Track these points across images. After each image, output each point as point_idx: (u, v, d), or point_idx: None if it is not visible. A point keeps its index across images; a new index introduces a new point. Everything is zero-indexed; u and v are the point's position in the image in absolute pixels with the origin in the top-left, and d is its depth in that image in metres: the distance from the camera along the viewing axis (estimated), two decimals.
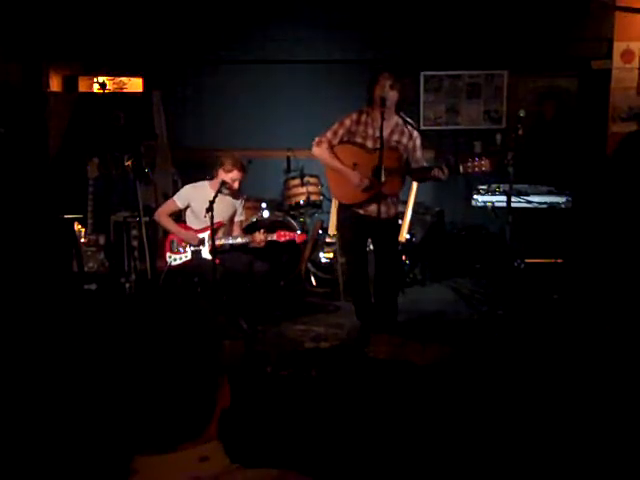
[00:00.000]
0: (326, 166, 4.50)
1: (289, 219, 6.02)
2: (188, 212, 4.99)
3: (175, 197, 5.01)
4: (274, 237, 4.84)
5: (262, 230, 4.95)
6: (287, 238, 4.85)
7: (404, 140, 4.40)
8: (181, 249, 4.95)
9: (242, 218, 5.22)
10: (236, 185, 4.90)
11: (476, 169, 4.21)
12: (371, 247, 4.78)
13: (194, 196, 4.92)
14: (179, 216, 5.08)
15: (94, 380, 1.10)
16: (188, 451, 1.05)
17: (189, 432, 1.06)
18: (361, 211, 4.44)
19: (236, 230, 5.11)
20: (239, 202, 5.12)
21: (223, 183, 4.74)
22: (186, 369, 1.07)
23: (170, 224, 4.97)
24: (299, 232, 5.16)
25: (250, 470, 1.07)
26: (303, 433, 3.12)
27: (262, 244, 4.84)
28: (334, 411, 3.39)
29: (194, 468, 1.04)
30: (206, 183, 4.97)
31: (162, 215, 4.99)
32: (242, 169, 4.89)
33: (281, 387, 3.72)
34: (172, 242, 4.97)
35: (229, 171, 4.87)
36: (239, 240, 4.90)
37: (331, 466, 2.86)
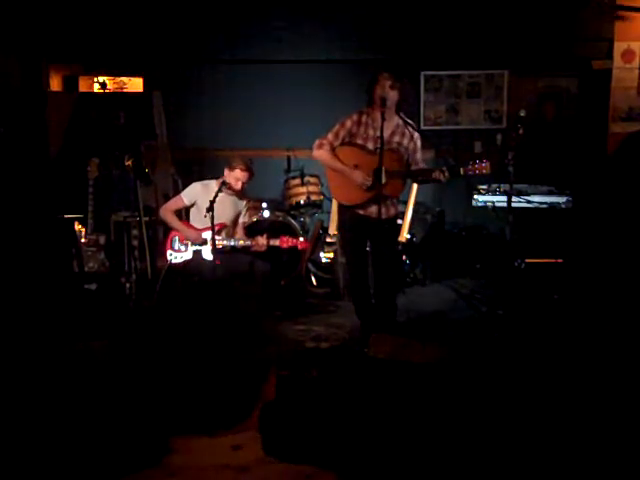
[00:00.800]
0: (327, 168, 4.50)
1: (289, 219, 6.01)
2: (193, 210, 4.99)
3: (182, 194, 5.00)
4: (277, 243, 4.84)
5: (265, 235, 4.94)
6: (290, 245, 4.85)
7: (405, 141, 4.40)
8: (182, 247, 4.95)
9: (245, 220, 5.21)
10: (239, 185, 4.89)
11: (477, 172, 4.22)
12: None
13: (201, 194, 4.92)
14: (180, 215, 5.08)
15: (144, 362, 1.12)
16: (223, 438, 1.06)
17: (229, 419, 1.07)
18: (361, 212, 4.44)
19: (239, 232, 5.10)
20: (244, 204, 5.12)
21: (224, 183, 4.75)
22: (235, 358, 1.08)
23: (174, 221, 4.97)
24: (302, 239, 5.16)
25: (282, 464, 1.08)
26: (303, 433, 3.12)
27: (263, 249, 4.84)
28: (334, 411, 3.38)
29: (226, 455, 1.05)
30: (213, 182, 4.96)
31: (167, 211, 4.98)
32: (246, 169, 4.88)
33: (281, 387, 3.72)
34: (174, 240, 4.97)
35: (232, 169, 4.87)
36: (241, 243, 4.89)
37: (341, 468, 2.86)
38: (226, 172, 4.89)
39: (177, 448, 1.06)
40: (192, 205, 4.96)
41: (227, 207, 4.94)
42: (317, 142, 4.43)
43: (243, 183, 4.90)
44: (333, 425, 3.17)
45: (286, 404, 2.92)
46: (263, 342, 1.15)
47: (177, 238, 4.96)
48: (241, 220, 5.14)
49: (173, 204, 5.00)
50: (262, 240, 4.82)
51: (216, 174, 5.13)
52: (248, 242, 4.87)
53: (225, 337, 1.11)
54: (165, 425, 1.08)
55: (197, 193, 4.94)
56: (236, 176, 4.85)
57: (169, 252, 4.97)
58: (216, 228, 4.57)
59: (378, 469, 2.87)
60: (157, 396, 1.09)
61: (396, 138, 4.37)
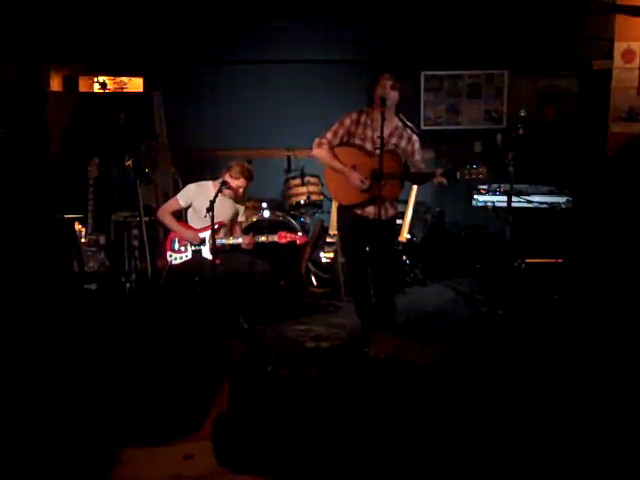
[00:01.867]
0: (326, 167, 4.50)
1: (289, 219, 6.02)
2: (190, 211, 4.99)
3: (178, 195, 5.01)
4: (275, 238, 4.84)
5: (251, 233, 4.99)
6: (288, 240, 4.85)
7: (402, 143, 4.39)
8: (182, 248, 4.95)
9: (242, 219, 5.23)
10: (241, 191, 4.95)
11: (472, 176, 4.24)
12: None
13: (197, 195, 4.93)
14: (179, 216, 5.08)
15: (92, 372, 1.12)
16: (175, 447, 1.06)
17: (180, 429, 1.07)
18: (359, 212, 4.44)
19: (237, 231, 5.13)
20: (241, 202, 5.15)
21: (224, 183, 4.75)
22: (186, 367, 1.08)
23: (172, 222, 4.97)
24: (300, 234, 5.16)
25: (236, 475, 1.07)
26: (303, 433, 3.12)
27: (251, 246, 4.84)
28: (335, 411, 3.38)
29: (177, 465, 1.04)
30: (209, 183, 4.98)
31: (165, 213, 4.99)
32: (249, 178, 4.93)
33: (281, 387, 3.72)
34: (173, 241, 4.97)
35: (236, 178, 4.90)
36: (229, 241, 4.90)
37: (331, 466, 2.85)
38: (227, 177, 4.90)
39: (127, 459, 1.05)
40: (188, 206, 4.97)
41: (226, 207, 4.95)
42: (316, 140, 4.43)
43: (244, 190, 4.97)
44: (288, 435, 3.11)
45: (239, 414, 2.87)
46: (216, 352, 1.15)
47: (176, 239, 4.97)
48: (240, 219, 5.16)
49: (170, 206, 5.01)
50: (248, 238, 4.82)
51: (216, 174, 5.14)
52: (239, 240, 4.86)
53: (180, 347, 1.11)
54: (115, 435, 1.07)
55: (193, 194, 4.95)
56: (239, 184, 4.90)
57: (169, 254, 4.97)
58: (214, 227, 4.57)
59: (373, 468, 2.87)
60: (107, 405, 1.08)
61: (394, 140, 4.37)
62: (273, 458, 2.78)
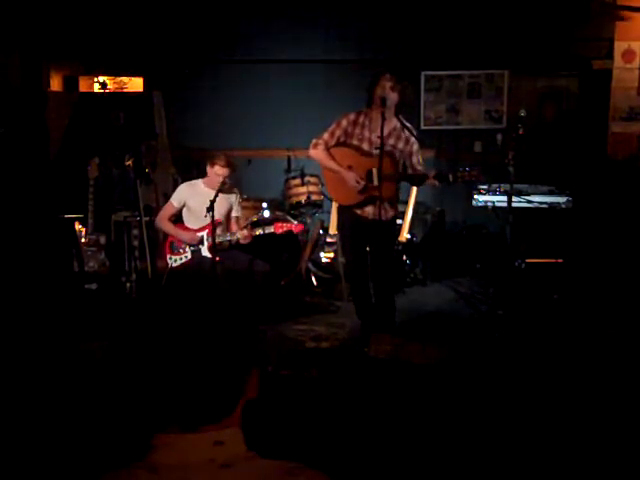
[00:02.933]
0: (323, 167, 4.50)
1: (289, 218, 6.02)
2: (185, 211, 5.00)
3: (171, 199, 5.02)
4: (271, 229, 4.83)
5: (249, 226, 4.96)
6: (285, 229, 4.84)
7: (400, 145, 4.38)
8: (181, 250, 4.95)
9: (239, 214, 5.19)
10: (219, 180, 4.81)
11: (466, 178, 4.24)
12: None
13: (189, 195, 4.94)
14: (178, 217, 5.08)
15: (123, 363, 1.13)
16: (207, 434, 1.07)
17: (211, 415, 1.08)
18: (359, 212, 4.43)
19: (234, 226, 5.10)
20: (234, 198, 5.10)
21: (223, 183, 4.76)
22: (218, 353, 1.10)
23: (170, 227, 4.98)
24: (295, 222, 5.15)
25: (266, 460, 1.09)
26: (303, 433, 3.12)
27: (249, 240, 4.82)
28: (335, 411, 3.38)
29: (209, 451, 1.06)
30: (200, 181, 4.98)
31: (163, 220, 5.00)
32: (225, 165, 4.84)
33: (282, 387, 3.72)
34: (172, 244, 4.98)
35: (212, 165, 4.87)
36: (237, 236, 4.89)
37: (331, 466, 2.86)
38: (208, 168, 4.90)
39: (160, 444, 1.07)
40: (182, 206, 4.98)
41: (219, 203, 4.92)
42: (313, 141, 4.43)
43: (223, 178, 4.84)
44: (316, 423, 3.16)
45: (268, 401, 2.92)
46: (247, 340, 1.16)
47: (174, 242, 4.97)
48: (234, 214, 5.13)
49: (166, 212, 5.01)
50: (245, 232, 4.81)
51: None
52: (236, 235, 4.85)
53: (209, 335, 1.12)
54: (148, 422, 1.09)
55: (185, 194, 4.96)
56: (216, 172, 4.84)
57: (168, 256, 4.98)
58: (210, 227, 4.57)
59: (373, 467, 2.87)
60: (140, 392, 1.10)
61: (391, 141, 4.35)
62: (300, 445, 2.82)
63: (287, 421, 3.09)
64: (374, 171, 4.19)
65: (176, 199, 4.98)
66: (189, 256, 4.93)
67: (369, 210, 4.39)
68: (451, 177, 4.23)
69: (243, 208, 5.90)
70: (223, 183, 4.77)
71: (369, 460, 2.93)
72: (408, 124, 4.44)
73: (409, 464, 2.92)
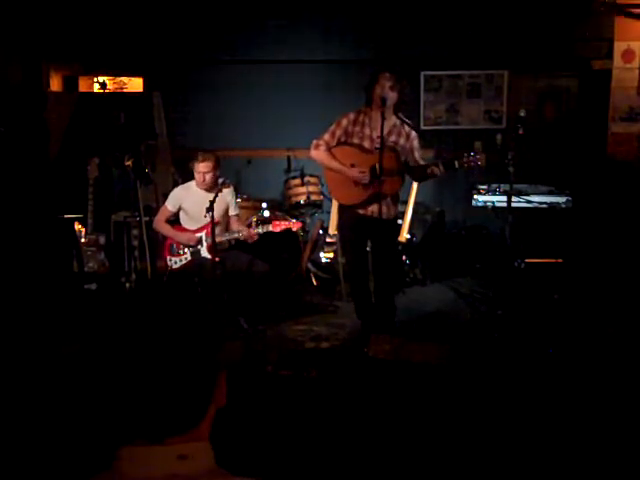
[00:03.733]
0: (325, 168, 4.49)
1: (288, 217, 6.02)
2: (181, 214, 5.00)
3: (166, 202, 5.02)
4: (269, 228, 4.83)
5: (252, 224, 4.95)
6: (283, 227, 4.84)
7: (401, 141, 4.38)
8: (180, 251, 4.95)
9: (237, 212, 5.17)
10: (204, 178, 4.81)
11: (471, 163, 4.21)
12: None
13: (184, 197, 4.94)
14: (176, 219, 5.08)
15: (90, 371, 1.11)
16: (172, 447, 1.04)
17: (178, 427, 1.06)
18: (361, 211, 4.43)
19: (233, 225, 5.08)
20: (230, 196, 5.04)
21: (223, 183, 4.76)
22: (183, 364, 1.07)
23: (167, 230, 4.98)
24: (294, 220, 5.14)
25: (234, 477, 1.06)
26: (303, 434, 3.12)
27: (254, 238, 4.79)
28: (335, 411, 3.38)
29: (173, 465, 1.03)
30: (192, 183, 4.97)
31: (160, 223, 5.00)
32: (203, 160, 4.79)
33: (281, 387, 3.72)
34: (171, 246, 4.97)
35: (193, 166, 4.84)
36: (235, 235, 4.87)
37: (331, 467, 2.86)
38: (195, 165, 4.86)
39: (126, 456, 1.05)
40: (179, 210, 4.98)
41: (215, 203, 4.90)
42: (314, 142, 4.43)
43: (205, 174, 4.80)
44: (288, 436, 3.10)
45: (238, 414, 2.84)
46: (213, 346, 1.14)
47: (174, 244, 4.97)
48: (232, 212, 5.11)
49: (162, 215, 5.01)
50: (247, 231, 4.80)
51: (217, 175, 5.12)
52: (239, 234, 4.84)
53: (175, 341, 1.10)
54: (115, 432, 1.07)
55: (179, 197, 4.96)
56: (198, 170, 4.83)
57: (168, 258, 4.97)
58: (209, 227, 4.57)
59: (369, 469, 2.87)
60: (108, 401, 1.08)
61: (392, 138, 4.36)
62: (273, 461, 2.78)
63: (260, 434, 3.01)
64: (378, 167, 4.19)
65: (171, 203, 4.98)
66: (189, 257, 4.93)
67: (372, 208, 4.38)
68: (457, 163, 4.22)
69: (243, 208, 5.90)
70: (215, 181, 4.77)
71: (368, 460, 2.93)
72: (407, 120, 4.44)
73: (409, 464, 2.92)
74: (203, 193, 4.81)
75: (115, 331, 1.13)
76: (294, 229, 4.97)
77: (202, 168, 4.80)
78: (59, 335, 4.49)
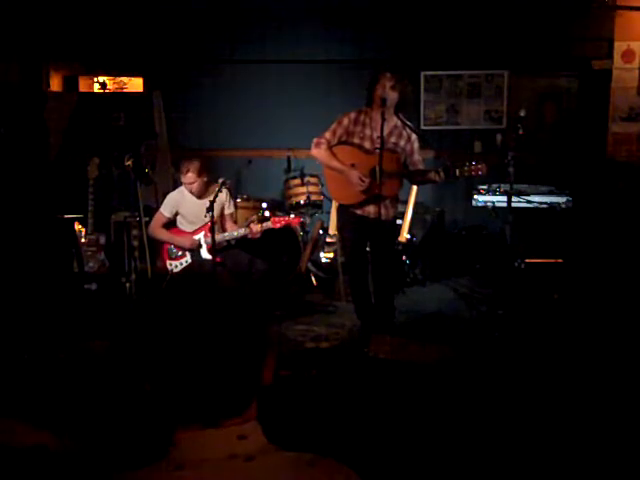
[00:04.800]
0: (325, 167, 4.49)
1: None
2: (178, 218, 5.01)
3: (161, 209, 5.01)
4: (269, 225, 4.83)
5: (255, 221, 4.95)
6: (283, 223, 4.84)
7: (401, 143, 4.38)
8: (180, 253, 4.95)
9: (232, 210, 5.17)
10: (194, 187, 4.85)
11: (472, 173, 4.22)
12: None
13: (179, 202, 4.95)
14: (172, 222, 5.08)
15: (143, 355, 1.13)
16: (228, 429, 1.07)
17: (231, 410, 1.08)
18: (359, 212, 4.43)
19: (229, 224, 5.08)
20: (224, 196, 5.03)
21: (223, 183, 4.75)
22: (233, 344, 1.09)
23: (164, 235, 4.97)
24: (292, 215, 5.14)
25: (286, 452, 1.09)
26: (303, 433, 3.12)
27: (258, 235, 4.81)
28: (335, 411, 3.39)
29: (232, 445, 1.06)
30: (182, 187, 4.96)
31: (155, 229, 4.99)
32: (187, 171, 4.81)
33: (281, 387, 3.72)
34: (170, 249, 4.97)
35: (179, 176, 4.91)
36: (235, 234, 4.87)
37: (348, 457, 2.86)
38: (182, 178, 4.90)
39: (182, 441, 1.07)
40: (175, 215, 4.98)
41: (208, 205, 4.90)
42: (315, 141, 4.42)
43: (192, 185, 4.83)
44: (331, 416, 3.16)
45: (284, 392, 2.91)
46: (258, 326, 1.16)
47: (173, 246, 4.97)
48: (227, 211, 5.11)
49: (157, 221, 5.00)
50: (255, 227, 4.81)
51: (216, 174, 5.13)
52: (242, 231, 4.84)
53: (220, 327, 1.12)
54: (169, 418, 1.09)
55: (175, 202, 4.97)
56: (184, 182, 4.87)
57: (168, 262, 4.97)
58: (206, 228, 4.58)
59: (380, 460, 2.87)
60: (158, 390, 1.10)
61: (392, 139, 4.35)
62: (317, 436, 2.82)
63: (301, 413, 3.07)
64: (378, 169, 4.19)
65: (167, 209, 4.97)
66: (189, 260, 4.92)
67: (370, 209, 4.38)
68: (458, 172, 4.22)
69: (243, 208, 5.90)
70: (205, 185, 4.81)
71: (368, 461, 2.93)
72: (408, 122, 4.44)
73: (409, 463, 2.92)
74: (191, 196, 4.85)
75: (158, 321, 1.15)
76: (293, 224, 4.96)
77: (187, 180, 4.83)
78: (59, 335, 4.49)
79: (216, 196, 4.48)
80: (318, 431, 2.97)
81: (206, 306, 1.15)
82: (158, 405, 1.10)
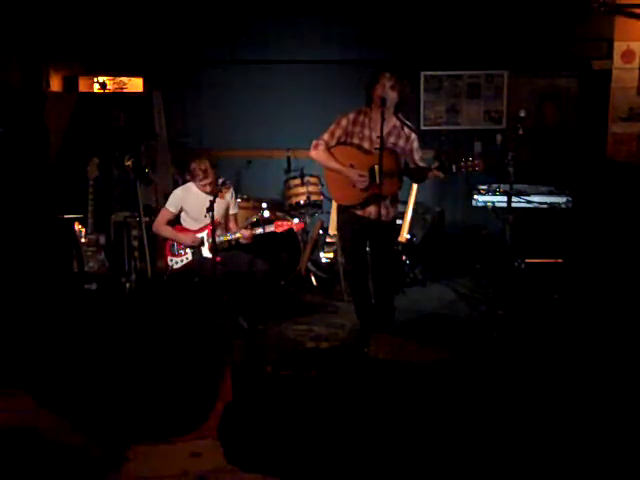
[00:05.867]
0: (324, 168, 4.49)
1: (289, 218, 6.02)
2: (182, 215, 5.01)
3: (167, 205, 5.02)
4: (272, 228, 4.83)
5: (249, 226, 4.95)
6: (285, 227, 4.84)
7: (401, 142, 4.38)
8: (182, 251, 4.95)
9: (236, 211, 5.19)
10: (209, 187, 4.88)
11: (469, 168, 4.21)
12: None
13: (184, 198, 4.95)
14: (176, 219, 5.08)
15: (97, 370, 1.12)
16: (182, 444, 1.06)
17: (186, 425, 1.07)
18: (359, 212, 4.43)
19: (232, 224, 5.11)
20: (229, 196, 5.08)
21: (223, 183, 4.76)
22: (188, 362, 1.09)
23: (169, 232, 4.98)
24: (296, 220, 5.14)
25: (244, 474, 1.07)
26: (303, 434, 3.12)
27: (250, 240, 4.82)
28: (334, 411, 3.39)
29: (184, 462, 1.05)
30: (192, 184, 4.97)
31: (160, 226, 4.99)
32: (198, 172, 4.85)
33: (281, 387, 3.72)
34: (172, 246, 4.98)
35: (193, 178, 4.92)
36: (234, 236, 4.89)
37: (331, 467, 2.86)
38: (196, 181, 4.91)
39: (135, 456, 1.06)
40: (180, 211, 4.99)
41: (216, 204, 4.91)
42: (313, 142, 4.42)
43: (208, 185, 4.87)
44: (293, 434, 3.10)
45: (246, 407, 2.85)
46: (216, 345, 1.15)
47: (175, 243, 4.97)
48: (232, 211, 5.12)
49: (163, 217, 5.01)
50: (246, 232, 4.82)
51: (216, 174, 5.13)
52: (237, 234, 4.85)
53: (180, 342, 1.11)
54: (122, 433, 1.08)
55: (180, 198, 4.97)
56: (202, 184, 4.87)
57: (169, 258, 4.97)
58: (210, 227, 4.57)
59: (380, 461, 2.87)
60: (114, 403, 1.09)
61: (392, 139, 4.35)
62: (280, 457, 2.78)
63: (268, 431, 3.00)
64: (376, 168, 4.18)
65: (172, 205, 4.98)
66: (190, 257, 4.93)
67: (371, 210, 4.38)
68: (454, 168, 4.22)
69: (243, 208, 5.90)
70: (218, 184, 4.79)
71: (367, 461, 2.93)
72: (408, 122, 4.44)
73: (409, 463, 2.92)
74: (204, 194, 4.83)
75: (118, 330, 1.14)
76: (296, 229, 4.97)
77: (206, 181, 4.86)
78: (59, 335, 4.49)
79: (216, 195, 4.48)
80: (283, 451, 2.86)
81: (166, 321, 1.14)
82: (112, 418, 1.09)
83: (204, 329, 0.98)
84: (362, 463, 2.91)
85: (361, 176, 4.28)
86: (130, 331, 0.95)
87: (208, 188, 4.87)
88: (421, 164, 4.43)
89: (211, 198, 4.40)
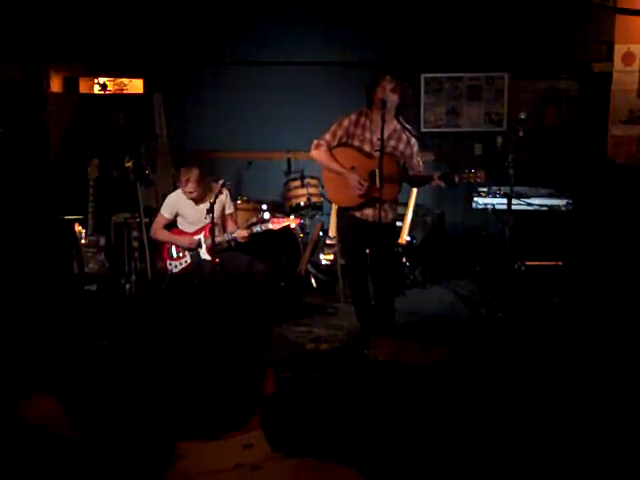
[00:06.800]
0: (324, 169, 4.49)
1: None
2: (179, 219, 5.03)
3: (162, 210, 5.04)
4: (269, 225, 4.83)
5: (244, 228, 4.97)
6: (282, 224, 4.85)
7: (401, 146, 4.38)
8: (180, 254, 4.95)
9: (232, 210, 5.18)
10: (194, 195, 4.90)
11: (471, 180, 4.23)
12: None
13: (179, 203, 4.96)
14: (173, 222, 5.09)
15: (142, 368, 1.12)
16: (233, 439, 1.07)
17: (234, 421, 1.08)
18: (358, 214, 4.43)
19: (230, 224, 5.10)
20: (225, 196, 5.05)
21: (223, 184, 4.76)
22: (234, 359, 1.09)
23: (166, 236, 4.99)
24: (292, 217, 5.14)
25: (290, 459, 1.09)
26: (303, 434, 3.12)
27: (246, 239, 4.83)
28: (334, 413, 3.38)
29: (238, 455, 1.06)
30: (179, 190, 4.99)
31: (157, 231, 5.01)
32: (187, 180, 4.86)
33: (281, 389, 3.72)
34: (169, 250, 4.97)
35: (179, 185, 4.95)
36: (230, 235, 4.89)
37: (353, 461, 2.85)
38: (183, 187, 4.92)
39: (185, 453, 1.07)
40: (176, 216, 4.99)
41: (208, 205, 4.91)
42: (314, 142, 4.42)
43: (191, 193, 4.88)
44: (332, 420, 3.16)
45: (286, 400, 2.90)
46: (260, 339, 1.16)
47: (173, 247, 4.97)
48: (227, 212, 5.12)
49: (159, 222, 5.03)
50: (241, 232, 4.82)
51: (216, 176, 5.14)
52: (234, 235, 4.85)
53: (221, 338, 1.12)
54: (170, 431, 1.09)
55: (175, 203, 4.99)
56: (185, 191, 4.89)
57: (168, 262, 4.98)
58: (207, 229, 4.58)
59: (381, 463, 2.87)
60: (158, 401, 1.09)
61: (392, 142, 4.35)
62: (319, 442, 2.81)
63: (303, 419, 3.07)
64: (377, 172, 4.18)
65: (167, 211, 5.00)
66: (189, 260, 4.93)
67: (369, 212, 4.38)
68: (457, 179, 4.23)
69: (243, 210, 5.90)
70: (204, 190, 4.83)
71: (367, 462, 2.93)
72: (408, 126, 4.44)
73: (408, 465, 2.92)
74: (188, 199, 4.88)
75: (156, 330, 1.14)
76: (293, 225, 4.96)
77: (187, 189, 4.87)
78: (59, 336, 4.49)
79: (216, 197, 4.49)
80: (319, 435, 2.96)
81: (206, 315, 1.14)
82: (159, 415, 1.09)
83: (249, 327, 1.01)
84: (362, 465, 2.91)
85: (361, 184, 4.26)
86: (170, 329, 0.97)
87: (189, 195, 4.89)
88: (420, 168, 4.43)
89: (205, 204, 4.41)
